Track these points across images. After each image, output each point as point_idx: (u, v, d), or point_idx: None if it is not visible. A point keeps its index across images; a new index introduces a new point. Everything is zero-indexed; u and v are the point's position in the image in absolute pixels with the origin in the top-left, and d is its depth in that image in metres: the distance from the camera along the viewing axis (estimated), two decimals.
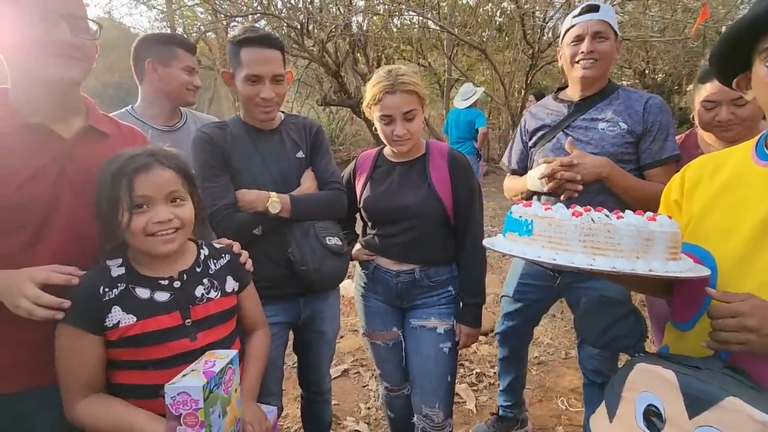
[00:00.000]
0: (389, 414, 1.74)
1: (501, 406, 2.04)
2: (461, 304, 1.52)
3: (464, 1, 8.24)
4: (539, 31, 6.31)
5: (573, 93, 1.63)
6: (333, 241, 1.41)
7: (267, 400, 1.32)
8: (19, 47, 0.90)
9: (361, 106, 1.54)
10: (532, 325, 1.90)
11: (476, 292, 1.50)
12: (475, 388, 2.42)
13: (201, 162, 1.34)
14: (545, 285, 1.70)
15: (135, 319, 0.93)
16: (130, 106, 1.72)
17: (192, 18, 9.04)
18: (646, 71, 8.61)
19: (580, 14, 1.54)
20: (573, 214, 0.84)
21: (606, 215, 0.83)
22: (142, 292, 0.96)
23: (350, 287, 2.19)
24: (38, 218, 0.95)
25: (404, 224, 1.46)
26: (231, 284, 1.09)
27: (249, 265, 1.17)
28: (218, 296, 1.05)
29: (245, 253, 1.18)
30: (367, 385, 2.45)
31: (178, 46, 1.70)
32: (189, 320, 0.98)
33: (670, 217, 0.85)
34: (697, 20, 4.35)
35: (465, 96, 5.44)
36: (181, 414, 0.83)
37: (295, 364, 1.74)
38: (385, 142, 1.47)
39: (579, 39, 1.53)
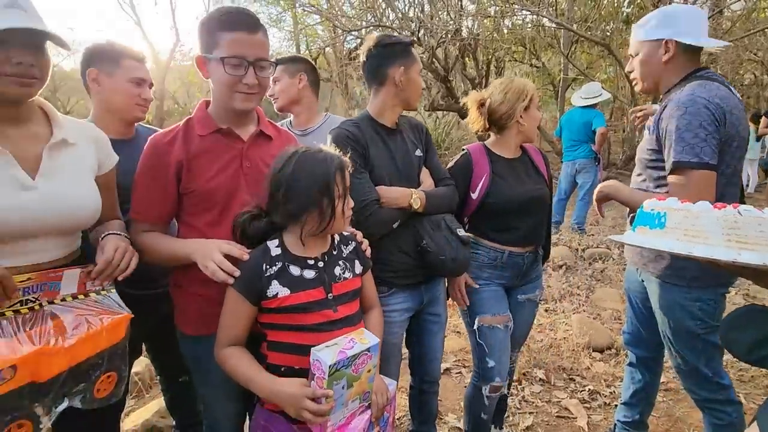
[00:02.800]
0: (482, 417, 1.75)
1: (618, 421, 1.86)
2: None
3: None
4: None
5: None
6: (462, 232, 1.53)
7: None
8: (217, 83, 1.20)
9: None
10: (651, 329, 1.65)
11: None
12: (587, 405, 2.24)
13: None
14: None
15: (289, 291, 1.10)
16: (288, 120, 2.06)
17: (313, 35, 9.96)
18: None
19: None
20: (714, 206, 0.77)
21: (754, 208, 0.74)
22: (295, 270, 1.13)
23: None
24: (222, 202, 1.21)
25: (533, 211, 1.67)
26: (358, 267, 1.23)
27: (369, 252, 1.30)
28: (351, 276, 1.20)
29: (366, 241, 1.31)
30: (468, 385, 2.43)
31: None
32: (331, 294, 1.14)
33: None
34: None
35: (588, 95, 4.94)
36: (314, 375, 1.01)
37: (404, 357, 1.81)
38: (529, 134, 1.71)
39: None
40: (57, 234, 1.11)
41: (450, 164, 1.73)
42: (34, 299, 1.02)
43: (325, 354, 1.00)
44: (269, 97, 1.96)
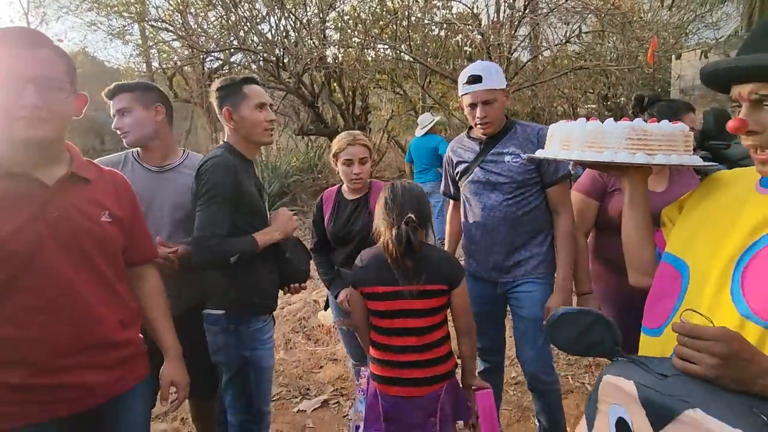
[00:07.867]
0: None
1: None
2: None
3: (434, 33, 8.57)
4: (506, 61, 6.60)
5: (479, 133, 1.83)
6: None
7: None
8: None
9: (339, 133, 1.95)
10: (496, 336, 1.99)
11: None
12: None
13: None
14: (487, 293, 1.86)
15: None
16: (132, 152, 1.76)
17: (169, 52, 9.10)
18: (608, 95, 9.03)
19: (468, 83, 1.72)
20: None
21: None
22: None
23: (328, 316, 2.17)
24: (18, 264, 0.98)
25: (354, 245, 1.86)
26: None
27: None
28: None
29: None
30: (347, 415, 2.40)
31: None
32: None
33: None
34: (650, 50, 4.71)
35: (423, 124, 5.61)
36: None
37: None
38: (345, 181, 1.94)
39: (472, 106, 1.73)
40: None
41: None
42: None
43: None
44: (117, 131, 1.66)
